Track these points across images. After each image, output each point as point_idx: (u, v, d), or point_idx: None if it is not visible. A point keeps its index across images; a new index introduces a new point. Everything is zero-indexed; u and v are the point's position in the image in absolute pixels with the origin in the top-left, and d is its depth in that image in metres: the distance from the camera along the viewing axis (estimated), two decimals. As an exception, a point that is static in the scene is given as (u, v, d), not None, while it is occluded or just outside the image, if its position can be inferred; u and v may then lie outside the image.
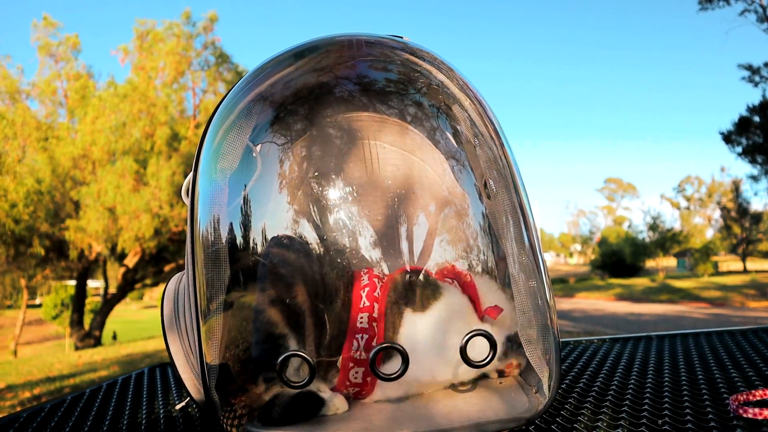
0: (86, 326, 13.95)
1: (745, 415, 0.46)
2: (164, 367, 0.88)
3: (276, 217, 0.42)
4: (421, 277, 0.42)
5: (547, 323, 0.45)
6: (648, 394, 0.56)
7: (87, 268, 14.21)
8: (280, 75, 0.46)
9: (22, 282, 14.49)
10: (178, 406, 0.61)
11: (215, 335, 0.43)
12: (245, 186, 0.43)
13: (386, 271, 0.41)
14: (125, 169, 11.61)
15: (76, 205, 12.17)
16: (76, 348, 13.11)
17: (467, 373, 0.43)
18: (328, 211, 0.41)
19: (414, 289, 0.42)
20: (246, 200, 0.43)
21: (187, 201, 0.49)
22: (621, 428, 0.46)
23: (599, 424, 0.48)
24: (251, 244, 0.42)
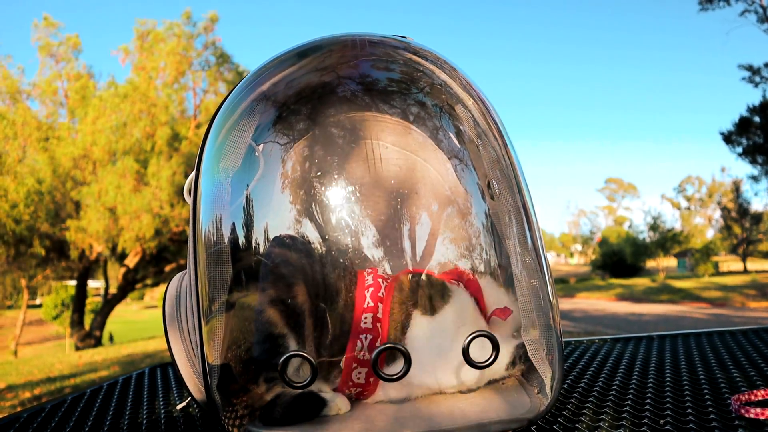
0: (87, 326, 13.96)
1: (747, 415, 0.46)
2: (165, 367, 0.88)
3: (278, 217, 0.42)
4: (425, 277, 0.42)
5: (550, 323, 0.45)
6: (649, 394, 0.56)
7: (87, 268, 14.22)
8: (283, 74, 0.46)
9: (23, 282, 14.51)
10: (179, 406, 0.61)
11: (217, 335, 0.43)
12: (247, 185, 0.43)
13: (390, 272, 0.41)
14: (126, 169, 11.62)
15: (77, 206, 12.18)
16: (77, 348, 13.12)
17: (471, 375, 0.43)
18: (330, 210, 0.41)
19: (418, 290, 0.42)
20: (248, 200, 0.43)
21: (189, 200, 0.49)
22: (623, 428, 0.46)
23: (601, 424, 0.48)
24: (253, 244, 0.42)
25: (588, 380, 0.64)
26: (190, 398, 0.61)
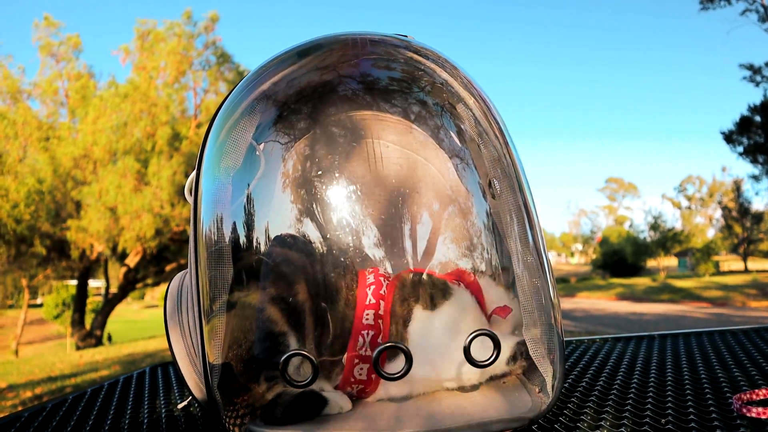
0: (87, 326, 13.96)
1: (748, 415, 0.46)
2: (166, 366, 0.88)
3: (279, 216, 0.42)
4: (426, 276, 0.42)
5: (552, 322, 0.45)
6: (651, 394, 0.55)
7: (88, 268, 14.23)
8: (284, 73, 0.46)
9: (24, 282, 14.52)
10: (180, 406, 0.61)
11: (218, 334, 0.43)
12: (248, 184, 0.43)
13: (391, 271, 0.41)
14: (126, 169, 11.62)
15: (78, 205, 12.18)
16: (78, 347, 13.12)
17: (472, 373, 0.43)
18: (331, 209, 0.41)
19: (420, 289, 0.42)
20: (249, 199, 0.42)
21: (190, 199, 0.49)
22: (624, 427, 0.46)
23: (602, 423, 0.47)
24: (254, 243, 0.42)
25: (589, 379, 0.64)
26: (191, 397, 0.61)
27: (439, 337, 0.42)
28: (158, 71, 13.14)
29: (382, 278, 0.41)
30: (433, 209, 0.42)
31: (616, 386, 0.59)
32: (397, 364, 0.40)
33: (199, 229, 0.45)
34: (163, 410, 0.61)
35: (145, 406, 0.64)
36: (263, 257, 0.41)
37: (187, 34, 13.39)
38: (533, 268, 0.45)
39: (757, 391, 0.51)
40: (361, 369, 0.41)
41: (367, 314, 0.41)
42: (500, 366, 0.43)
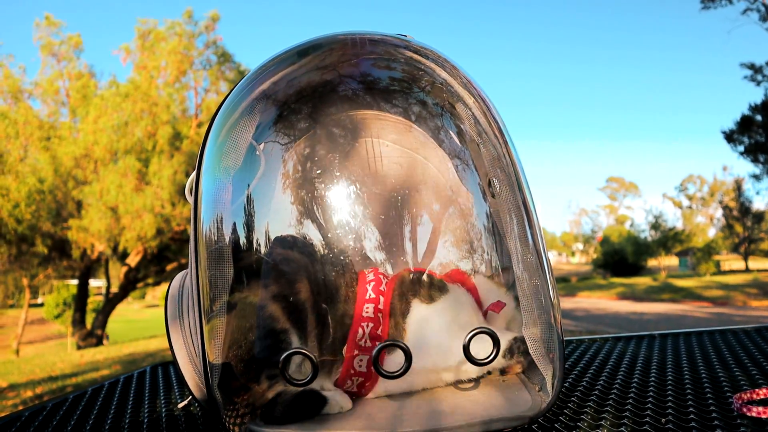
0: (88, 325, 13.97)
1: (749, 414, 0.46)
2: (166, 365, 0.88)
3: (279, 216, 0.42)
4: (425, 275, 0.42)
5: (551, 321, 0.45)
6: (651, 393, 0.55)
7: (89, 268, 14.23)
8: (284, 73, 0.46)
9: (25, 281, 14.53)
10: (180, 405, 0.61)
11: (218, 334, 0.43)
12: (249, 184, 0.43)
13: (390, 270, 0.41)
14: (127, 169, 11.62)
15: (79, 205, 12.19)
16: (78, 347, 13.13)
17: (470, 371, 0.43)
18: (331, 209, 0.41)
19: (418, 287, 0.42)
20: (249, 199, 0.43)
21: (190, 199, 0.49)
22: (624, 426, 0.46)
23: (602, 422, 0.47)
24: (254, 243, 0.42)
25: (589, 379, 0.64)
26: (191, 397, 0.61)
27: (438, 336, 0.42)
28: (159, 71, 13.14)
29: (381, 276, 0.41)
30: (432, 208, 0.42)
31: (617, 385, 0.59)
32: (396, 361, 0.40)
33: (200, 228, 0.45)
34: (164, 410, 0.61)
35: (146, 406, 0.64)
36: (263, 257, 0.41)
37: (188, 33, 13.39)
38: (533, 268, 0.45)
39: (757, 390, 0.51)
40: (361, 361, 0.41)
41: (367, 308, 0.41)
42: (497, 360, 0.43)
